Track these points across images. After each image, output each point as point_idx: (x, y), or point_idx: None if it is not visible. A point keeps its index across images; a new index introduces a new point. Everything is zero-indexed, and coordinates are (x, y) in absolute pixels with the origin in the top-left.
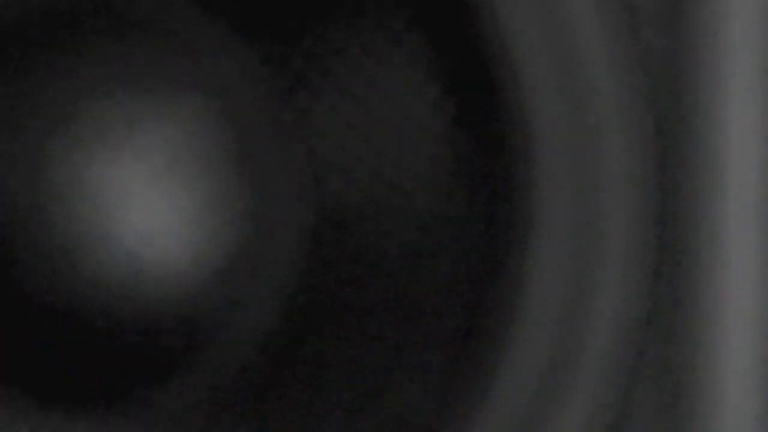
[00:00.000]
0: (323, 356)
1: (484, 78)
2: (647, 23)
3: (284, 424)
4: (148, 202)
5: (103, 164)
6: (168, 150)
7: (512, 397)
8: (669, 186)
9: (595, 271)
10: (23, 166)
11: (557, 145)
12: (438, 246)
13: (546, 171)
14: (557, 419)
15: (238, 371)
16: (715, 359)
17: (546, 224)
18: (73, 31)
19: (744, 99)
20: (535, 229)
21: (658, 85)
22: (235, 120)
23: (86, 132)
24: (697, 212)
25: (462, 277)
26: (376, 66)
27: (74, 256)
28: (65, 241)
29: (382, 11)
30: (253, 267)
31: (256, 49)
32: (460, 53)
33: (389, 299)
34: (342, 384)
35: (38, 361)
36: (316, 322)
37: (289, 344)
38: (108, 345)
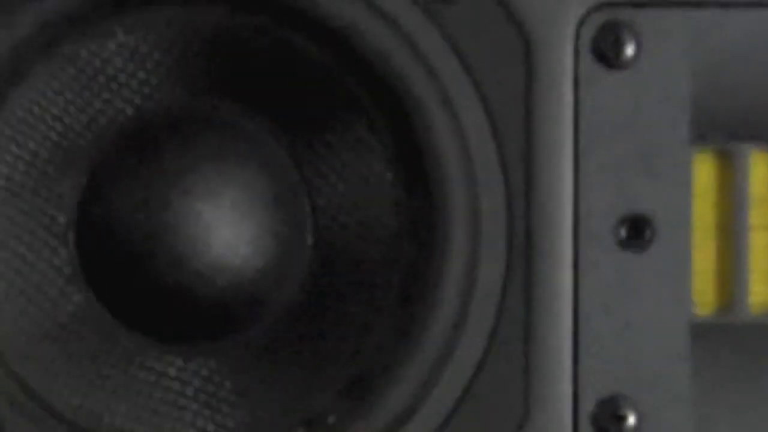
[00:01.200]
0: (326, 315)
1: (418, 161)
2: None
3: (312, 357)
4: (223, 225)
5: (194, 205)
6: (230, 196)
7: (434, 340)
8: (518, 211)
9: (480, 263)
10: (158, 210)
11: (459, 201)
12: (387, 255)
13: (452, 213)
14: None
15: (278, 326)
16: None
17: (451, 239)
18: (168, 125)
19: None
20: (447, 242)
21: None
22: (268, 178)
23: (182, 187)
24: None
25: (401, 268)
26: (351, 152)
27: (185, 253)
28: (181, 246)
29: (351, 122)
30: (282, 261)
31: (277, 136)
32: (403, 146)
33: (360, 281)
34: (338, 329)
35: (159, 316)
36: (321, 296)
37: (306, 309)
38: (203, 306)
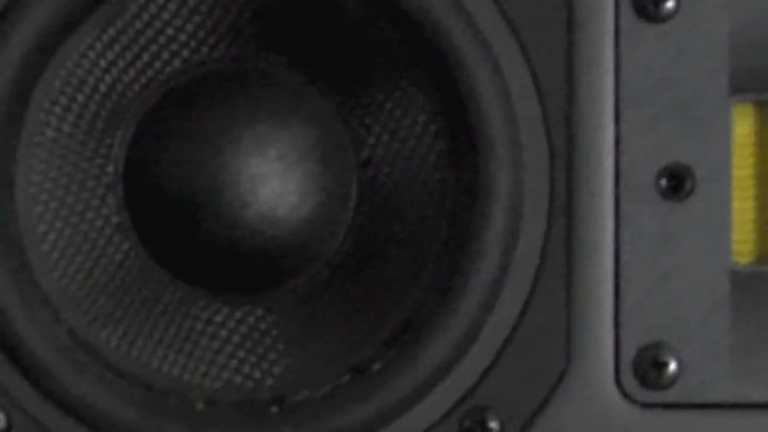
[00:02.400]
0: (372, 265)
1: (462, 115)
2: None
3: (357, 307)
4: (270, 176)
5: (241, 156)
6: (276, 148)
7: (477, 290)
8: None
9: (522, 215)
10: (205, 161)
11: (502, 153)
12: (431, 207)
13: (495, 165)
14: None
15: (323, 275)
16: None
17: (494, 192)
18: (220, 85)
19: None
20: (490, 194)
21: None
22: (314, 131)
23: (229, 139)
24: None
25: (445, 220)
26: (395, 105)
27: (232, 204)
28: (228, 196)
29: (395, 76)
30: (328, 212)
31: (323, 90)
32: (447, 100)
33: (405, 232)
34: (383, 279)
35: (206, 265)
36: (366, 247)
37: (351, 259)
38: (250, 256)
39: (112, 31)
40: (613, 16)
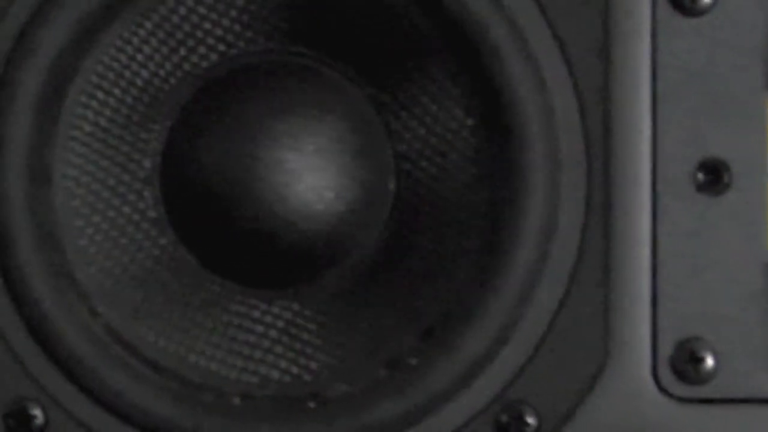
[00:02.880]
0: (408, 259)
1: (498, 108)
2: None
3: (394, 301)
4: (306, 170)
5: (278, 151)
6: (314, 143)
7: (514, 284)
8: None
9: (559, 208)
10: (242, 155)
11: (539, 146)
12: (468, 200)
13: (531, 158)
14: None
15: (360, 269)
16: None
17: (531, 184)
18: (257, 79)
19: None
20: (527, 187)
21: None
22: (350, 125)
23: (265, 133)
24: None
25: (482, 213)
26: (431, 99)
27: (269, 198)
28: (264, 191)
29: (431, 69)
30: (365, 206)
31: (359, 84)
32: (483, 93)
33: (441, 225)
34: (420, 273)
35: (242, 260)
36: (402, 240)
37: (388, 253)
38: (287, 250)
39: (149, 25)
40: (650, 9)
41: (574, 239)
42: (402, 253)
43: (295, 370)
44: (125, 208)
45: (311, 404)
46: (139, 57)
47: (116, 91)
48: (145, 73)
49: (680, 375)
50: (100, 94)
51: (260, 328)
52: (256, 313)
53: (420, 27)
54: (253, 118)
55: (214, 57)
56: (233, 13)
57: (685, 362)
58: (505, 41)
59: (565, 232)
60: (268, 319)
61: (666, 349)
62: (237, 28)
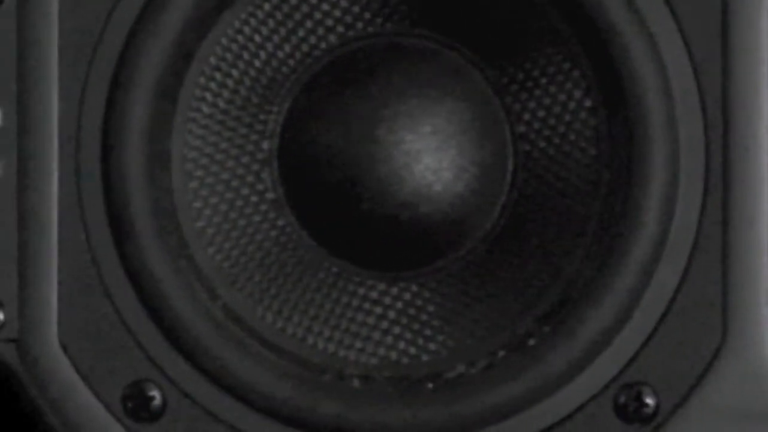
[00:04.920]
0: (527, 240)
1: (617, 89)
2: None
3: (513, 282)
4: (426, 152)
5: (397, 132)
6: (432, 123)
7: (633, 265)
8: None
9: (678, 189)
10: (361, 137)
11: (658, 127)
12: (587, 181)
13: (651, 139)
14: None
15: (479, 251)
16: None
17: (650, 165)
18: (375, 60)
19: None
20: (646, 168)
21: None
22: (469, 106)
23: (384, 115)
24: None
25: (601, 194)
26: (550, 80)
27: (388, 180)
28: (383, 172)
29: (550, 50)
30: (484, 187)
31: (478, 65)
32: (602, 74)
33: (560, 207)
34: (539, 255)
35: (361, 241)
36: (521, 222)
37: (507, 234)
38: (406, 232)
39: (267, 6)
40: None
41: (693, 220)
42: (521, 234)
43: (413, 351)
44: (244, 189)
45: (430, 385)
46: (257, 38)
47: (234, 72)
48: (263, 55)
49: None
50: (218, 76)
51: (379, 310)
52: (375, 295)
53: (541, 9)
54: (371, 100)
55: (332, 38)
56: None
57: None
58: (625, 23)
59: (683, 212)
60: (387, 300)
61: None
62: (356, 9)
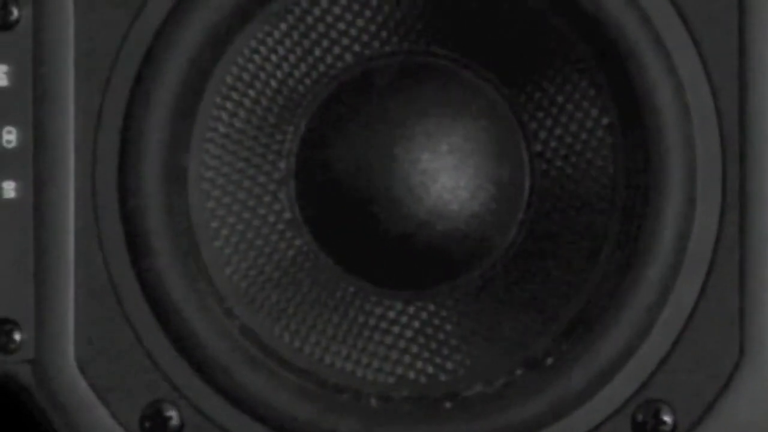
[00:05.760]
0: (545, 259)
1: (634, 106)
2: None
3: (530, 301)
4: (442, 171)
5: (413, 151)
6: (448, 142)
7: (651, 282)
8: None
9: (695, 206)
10: (378, 156)
11: (675, 144)
12: (604, 199)
13: (668, 156)
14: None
15: (496, 269)
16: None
17: (667, 183)
18: (392, 79)
19: None
20: (663, 186)
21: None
22: (486, 124)
23: (401, 134)
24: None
25: (618, 212)
26: (567, 98)
27: (405, 199)
28: (400, 191)
29: (566, 69)
30: (500, 206)
31: (494, 83)
32: (619, 92)
33: (578, 225)
34: (557, 273)
35: (378, 260)
36: (539, 240)
37: (524, 253)
38: (423, 251)
39: (283, 26)
40: None
41: (710, 237)
42: (538, 253)
43: (431, 370)
44: (260, 209)
45: (448, 404)
46: (274, 58)
47: (251, 92)
48: (279, 75)
49: None
50: (235, 96)
51: (396, 329)
52: (392, 314)
53: (557, 28)
54: (388, 119)
55: (349, 58)
56: (368, 13)
57: None
58: (642, 41)
59: (701, 229)
60: (404, 319)
61: None
62: (372, 28)
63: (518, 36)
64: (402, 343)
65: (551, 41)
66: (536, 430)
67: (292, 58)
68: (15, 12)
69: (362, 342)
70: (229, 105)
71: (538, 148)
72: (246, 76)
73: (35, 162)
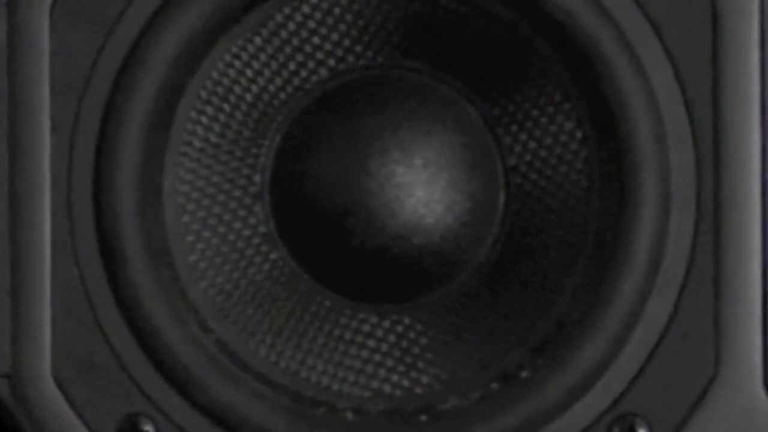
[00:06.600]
0: (519, 272)
1: (608, 120)
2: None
3: (506, 314)
4: (417, 184)
5: (388, 165)
6: (423, 156)
7: (626, 295)
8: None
9: (670, 219)
10: (353, 169)
11: (649, 157)
12: (579, 212)
13: (642, 169)
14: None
15: (471, 283)
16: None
17: (642, 195)
18: (367, 93)
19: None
20: (638, 198)
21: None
22: (460, 138)
23: (376, 148)
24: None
25: (593, 225)
26: (541, 112)
27: (380, 213)
28: (375, 205)
29: (541, 83)
30: (475, 219)
31: (468, 97)
32: (593, 105)
33: (552, 238)
34: (531, 286)
35: (353, 274)
36: (513, 253)
37: (499, 266)
38: (397, 264)
39: (257, 40)
40: (759, 19)
41: (685, 251)
42: (513, 266)
43: (406, 383)
44: (236, 223)
45: (423, 417)
46: (249, 73)
47: (226, 106)
48: (254, 89)
49: None
50: (209, 110)
51: (372, 343)
52: (367, 328)
53: (530, 42)
54: (362, 133)
55: (323, 72)
56: (343, 28)
57: None
58: (616, 54)
59: (675, 243)
60: (380, 333)
61: None
62: (347, 42)
63: (493, 50)
64: (377, 357)
65: (525, 55)
66: None
67: (266, 72)
68: None
69: (338, 356)
70: (203, 119)
71: (513, 161)
72: (220, 91)
73: (11, 180)
